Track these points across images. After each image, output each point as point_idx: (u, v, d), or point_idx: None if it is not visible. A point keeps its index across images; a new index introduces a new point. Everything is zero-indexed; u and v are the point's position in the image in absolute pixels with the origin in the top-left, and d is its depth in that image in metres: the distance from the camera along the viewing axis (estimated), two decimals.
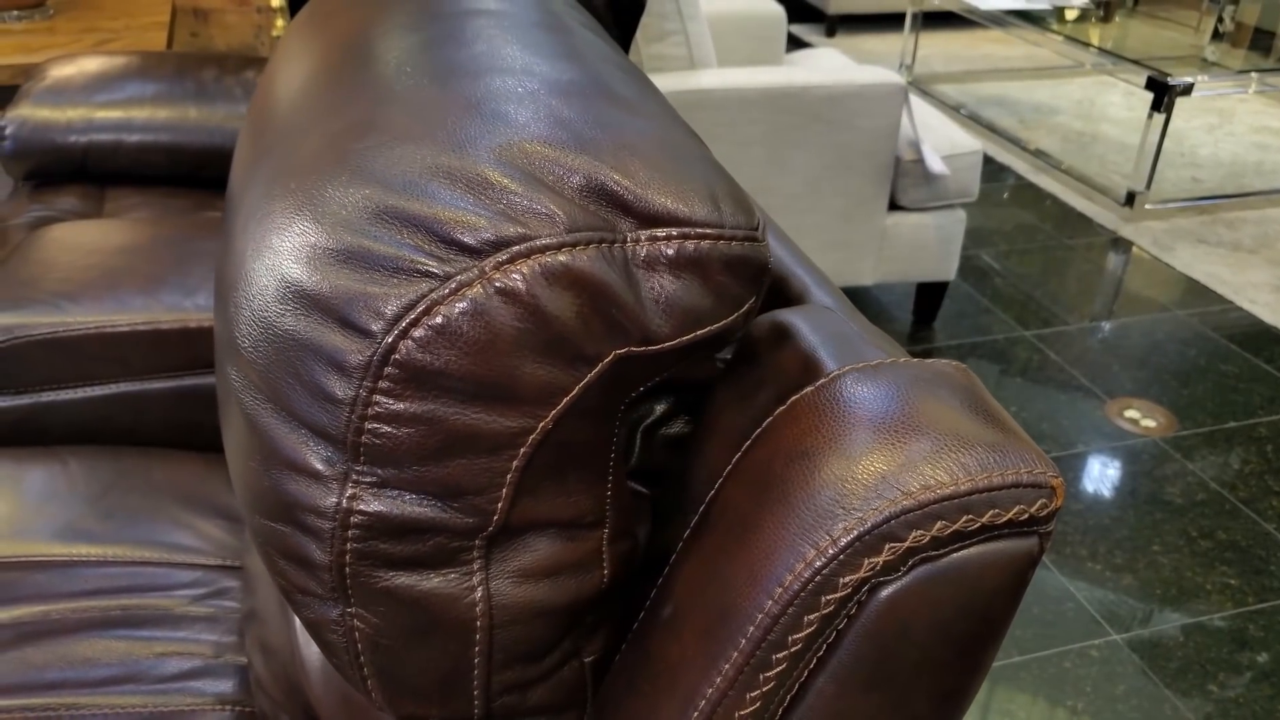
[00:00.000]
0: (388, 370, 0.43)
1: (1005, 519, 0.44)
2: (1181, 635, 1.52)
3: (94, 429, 1.06)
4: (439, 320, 0.43)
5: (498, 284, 0.43)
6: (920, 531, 0.43)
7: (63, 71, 1.56)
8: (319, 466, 0.46)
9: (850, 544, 0.43)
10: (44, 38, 1.90)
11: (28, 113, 1.51)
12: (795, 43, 4.11)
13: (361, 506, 0.46)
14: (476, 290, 0.43)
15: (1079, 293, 2.43)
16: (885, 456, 0.45)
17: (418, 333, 0.43)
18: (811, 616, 0.44)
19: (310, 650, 0.73)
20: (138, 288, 1.05)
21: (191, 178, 1.57)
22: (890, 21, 4.37)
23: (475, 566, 0.49)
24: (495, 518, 0.47)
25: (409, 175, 0.46)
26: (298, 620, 0.77)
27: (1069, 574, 1.62)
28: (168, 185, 1.58)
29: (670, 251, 0.47)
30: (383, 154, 0.48)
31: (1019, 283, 2.45)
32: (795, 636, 0.45)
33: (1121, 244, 2.67)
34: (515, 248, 0.44)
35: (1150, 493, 1.79)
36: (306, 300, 0.45)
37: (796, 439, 0.47)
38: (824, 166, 1.99)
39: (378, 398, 0.44)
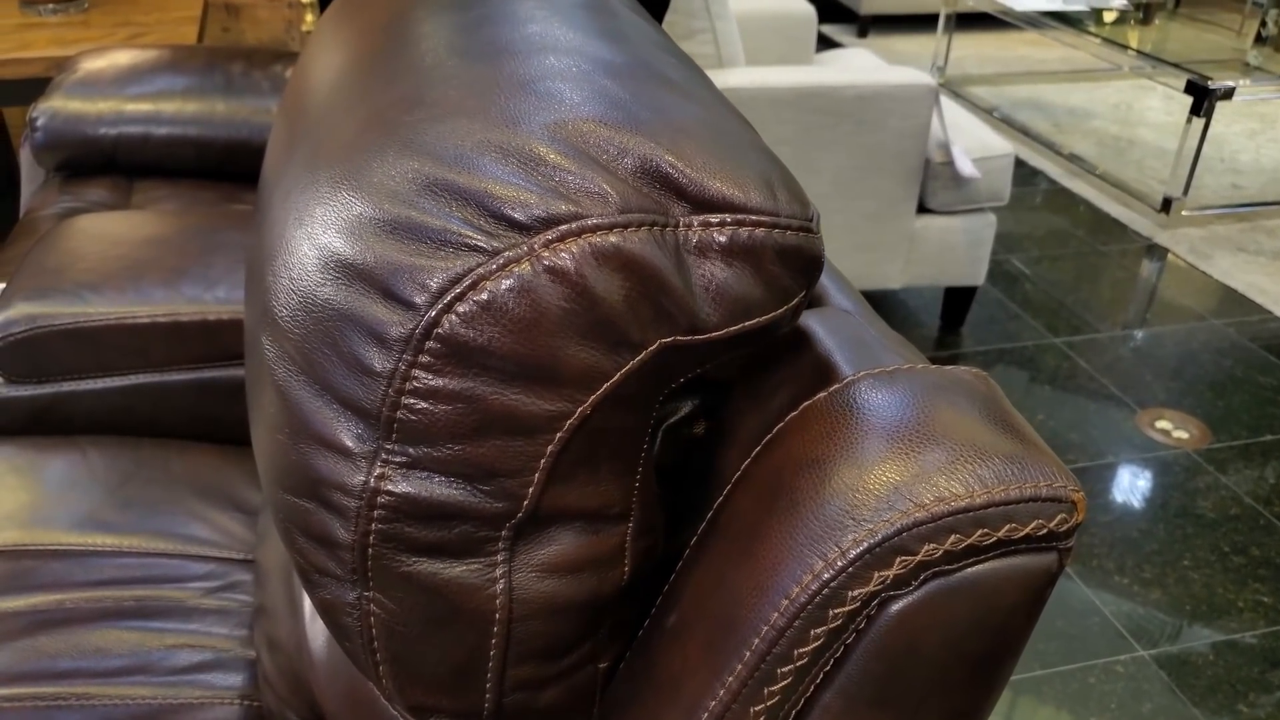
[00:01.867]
0: (429, 345, 0.43)
1: (1022, 534, 0.42)
2: (1211, 653, 1.48)
3: (115, 419, 1.06)
4: (484, 296, 0.42)
5: (546, 262, 0.42)
6: (933, 545, 0.42)
7: (94, 64, 1.58)
8: (349, 443, 0.45)
9: (859, 556, 0.42)
10: (78, 31, 1.92)
11: (59, 105, 1.52)
12: (827, 43, 4.08)
13: (389, 486, 0.45)
14: (524, 267, 0.42)
15: (1112, 300, 2.38)
16: (898, 466, 0.43)
17: (462, 308, 0.42)
18: (818, 630, 0.43)
19: (317, 644, 0.73)
20: (160, 279, 1.05)
21: (218, 171, 1.58)
22: (923, 22, 4.33)
23: (499, 558, 0.48)
24: (525, 503, 0.46)
25: (460, 148, 0.45)
26: (306, 614, 0.77)
27: (1095, 587, 1.59)
28: (195, 178, 1.59)
29: (722, 239, 0.46)
30: (433, 127, 0.47)
31: (1050, 289, 2.41)
32: (801, 650, 0.43)
33: (1157, 251, 2.62)
34: (566, 226, 0.43)
35: (1181, 506, 1.76)
36: (349, 270, 0.44)
37: (807, 446, 0.46)
38: (853, 167, 1.97)
39: (416, 372, 0.43)
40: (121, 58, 1.60)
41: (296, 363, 0.46)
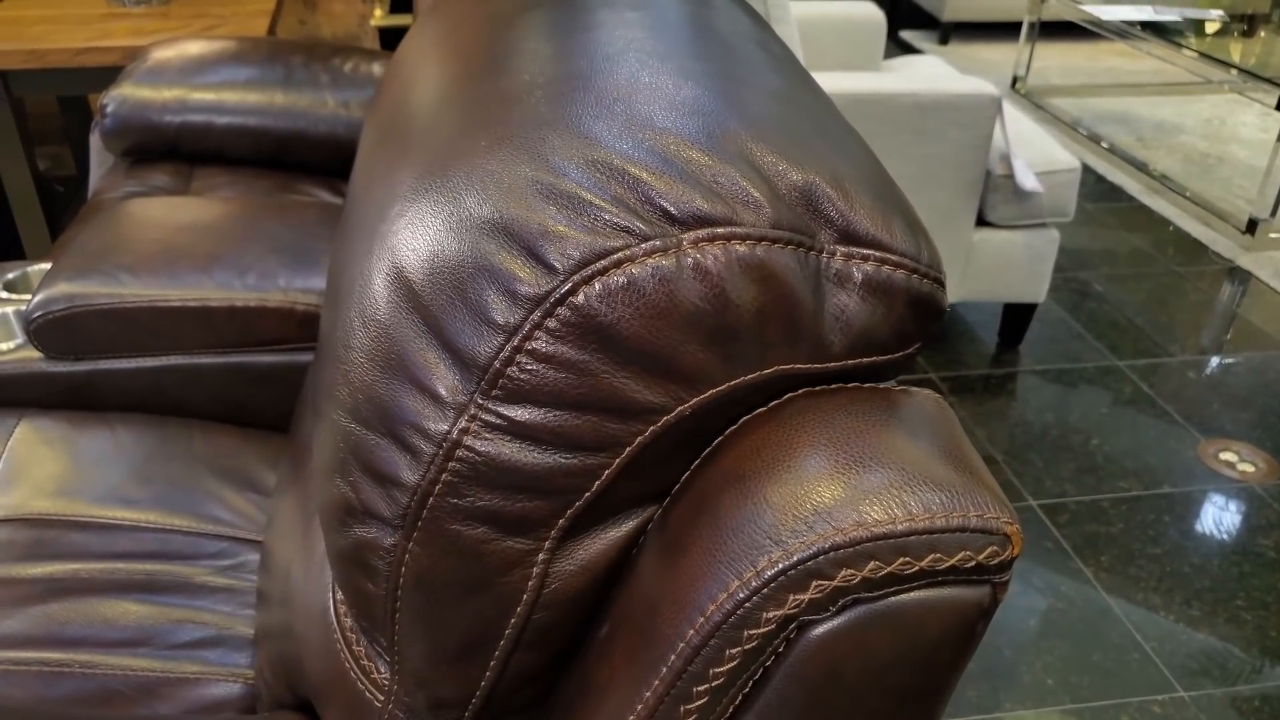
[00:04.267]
0: (560, 311, 0.43)
1: (948, 565, 0.41)
2: (1259, 699, 1.41)
3: (146, 398, 1.10)
4: (624, 278, 0.43)
5: (691, 258, 0.43)
6: (850, 570, 0.40)
7: (164, 54, 1.64)
8: (442, 390, 0.46)
9: (774, 577, 0.41)
10: (158, 22, 2.00)
11: (128, 92, 1.58)
12: (907, 49, 4.00)
13: (470, 442, 0.46)
14: (670, 259, 0.43)
15: (1185, 324, 2.28)
16: (824, 488, 0.42)
17: (600, 284, 0.43)
18: (734, 650, 0.42)
19: (307, 630, 0.74)
20: (193, 265, 1.08)
21: (274, 160, 1.62)
22: (1007, 30, 4.21)
23: (546, 545, 0.49)
24: (597, 483, 0.47)
25: (628, 138, 0.47)
26: (301, 598, 0.78)
27: (1138, 621, 1.52)
28: (253, 166, 1.64)
29: (861, 275, 0.47)
30: (603, 114, 0.48)
31: (1120, 309, 2.32)
32: (717, 670, 0.42)
33: (1239, 274, 2.50)
34: (717, 228, 0.44)
35: (1240, 543, 1.67)
36: (496, 224, 0.46)
37: (737, 462, 0.45)
38: (911, 177, 1.92)
39: (539, 334, 0.44)
40: (191, 48, 1.65)
41: (412, 301, 0.47)
